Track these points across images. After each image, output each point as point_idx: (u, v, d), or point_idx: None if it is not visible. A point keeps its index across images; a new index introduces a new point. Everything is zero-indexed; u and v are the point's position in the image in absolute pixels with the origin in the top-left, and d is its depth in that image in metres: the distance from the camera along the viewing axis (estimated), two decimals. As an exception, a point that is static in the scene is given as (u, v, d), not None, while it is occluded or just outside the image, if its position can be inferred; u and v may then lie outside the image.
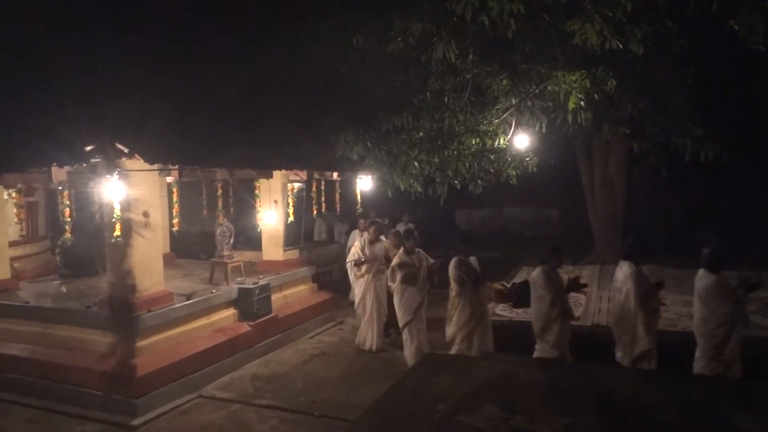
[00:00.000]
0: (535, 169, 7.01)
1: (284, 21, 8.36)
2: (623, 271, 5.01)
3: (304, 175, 8.47)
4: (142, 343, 5.79)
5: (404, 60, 6.32)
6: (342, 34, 6.64)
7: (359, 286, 7.44)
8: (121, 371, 5.59)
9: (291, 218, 8.30)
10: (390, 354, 6.96)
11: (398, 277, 6.24)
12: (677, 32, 5.83)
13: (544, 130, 6.15)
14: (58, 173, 6.44)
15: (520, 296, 5.97)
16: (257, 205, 8.21)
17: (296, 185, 8.38)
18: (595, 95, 5.36)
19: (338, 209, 9.84)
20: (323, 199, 9.29)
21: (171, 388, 5.82)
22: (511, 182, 6.87)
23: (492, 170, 6.75)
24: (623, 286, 4.95)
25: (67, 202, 6.21)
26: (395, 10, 5.77)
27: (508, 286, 6.54)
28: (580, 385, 3.47)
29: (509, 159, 6.73)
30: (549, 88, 5.48)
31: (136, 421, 5.36)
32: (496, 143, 6.31)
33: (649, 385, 3.52)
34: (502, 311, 6.51)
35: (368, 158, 6.44)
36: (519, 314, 6.24)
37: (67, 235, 6.24)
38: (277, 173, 7.94)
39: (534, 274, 5.21)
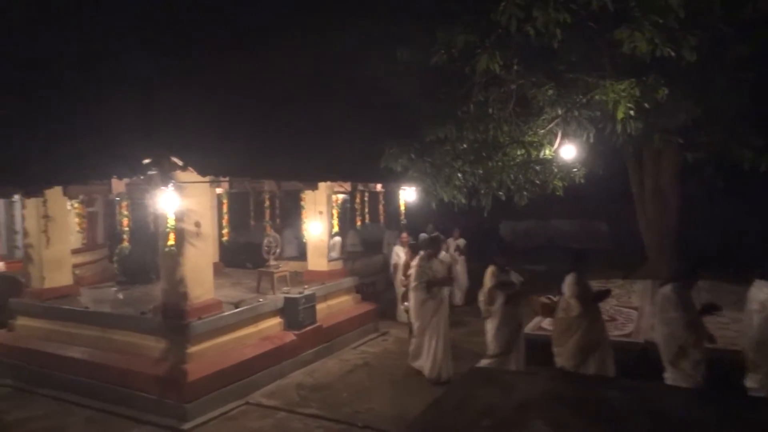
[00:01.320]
0: (582, 180, 6.85)
1: (329, 34, 8.55)
2: (765, 292, 4.63)
3: (348, 186, 8.59)
4: (192, 350, 5.99)
5: (447, 72, 6.33)
6: (386, 47, 6.73)
7: (427, 309, 6.63)
8: (173, 376, 5.79)
9: (335, 229, 8.42)
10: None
11: (500, 299, 5.62)
12: (734, 37, 5.61)
13: (591, 140, 6.01)
14: (118, 185, 6.78)
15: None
16: (302, 216, 8.38)
17: (341, 196, 8.51)
18: (646, 104, 5.21)
19: (382, 220, 9.87)
20: (367, 210, 9.36)
21: (220, 394, 5.98)
22: (558, 194, 6.74)
23: (538, 181, 6.64)
24: (763, 308, 4.59)
25: (126, 213, 6.53)
26: (438, 22, 5.81)
27: (555, 299, 6.39)
28: (632, 404, 3.35)
29: (555, 170, 6.60)
30: (596, 97, 5.35)
31: (186, 425, 5.54)
32: (542, 154, 6.21)
33: (709, 406, 3.35)
34: (550, 325, 6.36)
35: (412, 170, 6.46)
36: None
37: (125, 243, 6.56)
38: (322, 185, 8.09)
39: (663, 294, 4.74)
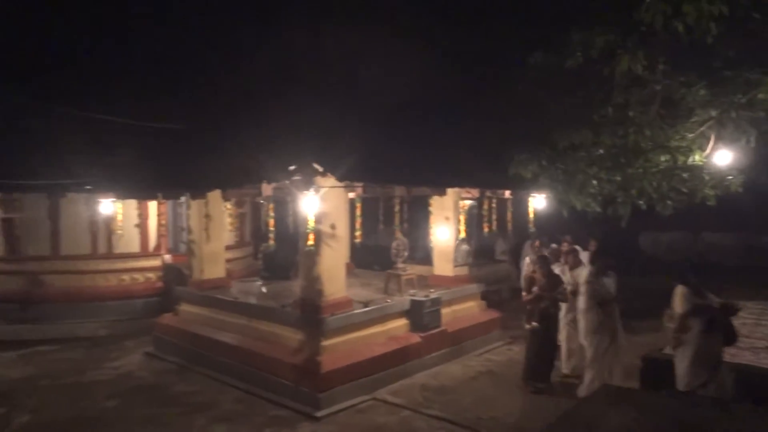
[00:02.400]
0: (740, 189, 6.14)
1: (458, 39, 8.62)
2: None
3: (476, 192, 8.59)
4: (326, 343, 6.42)
5: (583, 74, 6.07)
6: (518, 52, 6.64)
7: (604, 333, 6.13)
8: (309, 366, 6.26)
9: (462, 235, 8.46)
10: (565, 384, 6.61)
11: (697, 327, 4.98)
12: None
13: (752, 144, 5.39)
14: (265, 188, 7.50)
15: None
16: (430, 221, 8.54)
17: (467, 202, 8.53)
18: (823, 102, 4.56)
19: (510, 228, 9.65)
20: (494, 217, 9.24)
21: (349, 387, 6.34)
22: (710, 203, 6.12)
23: (685, 190, 6.09)
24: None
25: (272, 214, 7.20)
26: (575, 23, 5.61)
27: None
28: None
29: (707, 177, 5.99)
30: (759, 96, 4.80)
31: (319, 413, 5.95)
32: (691, 160, 5.69)
33: None
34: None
35: (542, 176, 6.29)
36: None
37: (271, 242, 7.23)
38: (449, 191, 8.19)
39: None
